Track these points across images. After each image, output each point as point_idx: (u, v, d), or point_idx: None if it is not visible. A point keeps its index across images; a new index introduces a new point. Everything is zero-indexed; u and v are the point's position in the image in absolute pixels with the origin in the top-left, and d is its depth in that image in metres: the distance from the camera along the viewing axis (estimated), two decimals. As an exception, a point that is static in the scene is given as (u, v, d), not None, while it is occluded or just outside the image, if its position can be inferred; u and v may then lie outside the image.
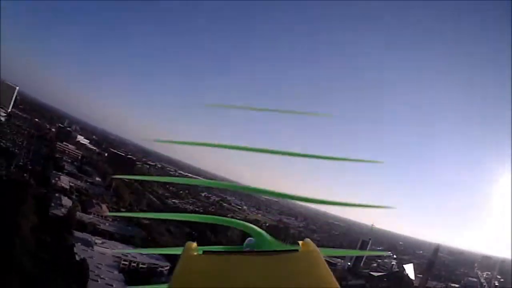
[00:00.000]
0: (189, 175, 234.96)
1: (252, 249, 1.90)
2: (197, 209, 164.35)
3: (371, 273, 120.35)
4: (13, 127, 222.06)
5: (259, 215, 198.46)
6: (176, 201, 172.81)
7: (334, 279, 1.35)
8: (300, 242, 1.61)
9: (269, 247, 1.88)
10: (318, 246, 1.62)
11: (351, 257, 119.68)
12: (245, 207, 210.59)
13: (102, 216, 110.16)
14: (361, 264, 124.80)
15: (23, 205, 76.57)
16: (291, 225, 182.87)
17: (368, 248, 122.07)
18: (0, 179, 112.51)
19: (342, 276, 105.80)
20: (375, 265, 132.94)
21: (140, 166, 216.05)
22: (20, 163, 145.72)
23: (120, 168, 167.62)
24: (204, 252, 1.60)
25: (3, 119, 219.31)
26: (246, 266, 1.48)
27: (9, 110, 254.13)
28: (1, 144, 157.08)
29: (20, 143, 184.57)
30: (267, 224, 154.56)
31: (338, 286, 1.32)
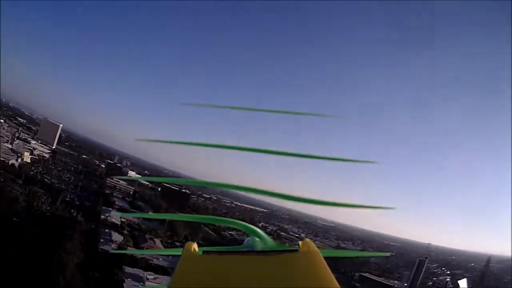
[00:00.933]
0: (245, 205, 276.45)
1: (251, 249, 1.97)
2: None
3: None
4: (59, 164, 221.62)
5: (317, 242, 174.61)
6: (233, 232, 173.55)
7: (334, 279, 1.37)
8: (300, 242, 1.66)
9: (267, 247, 1.96)
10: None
11: (407, 278, 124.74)
12: (302, 234, 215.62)
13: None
14: (418, 283, 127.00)
15: (70, 241, 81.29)
16: (349, 249, 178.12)
17: (424, 268, 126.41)
18: (43, 215, 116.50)
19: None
20: (430, 283, 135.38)
21: (195, 199, 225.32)
22: (67, 199, 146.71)
23: (174, 202, 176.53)
24: (204, 252, 1.63)
25: (47, 155, 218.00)
26: (246, 266, 1.50)
27: (54, 147, 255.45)
28: (46, 180, 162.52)
29: (66, 179, 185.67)
30: None
31: (338, 286, 1.34)
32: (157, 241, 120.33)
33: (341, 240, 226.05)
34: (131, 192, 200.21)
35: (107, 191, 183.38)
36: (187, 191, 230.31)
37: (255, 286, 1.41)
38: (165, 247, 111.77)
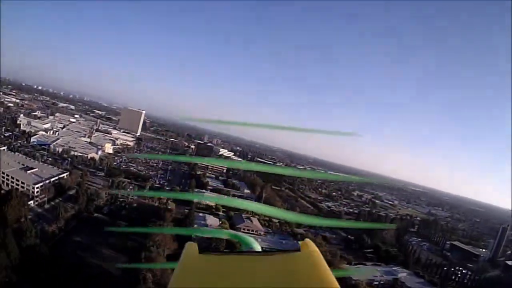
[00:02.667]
0: (341, 174, 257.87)
1: (251, 249, 2.14)
2: (351, 210, 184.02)
3: (507, 262, 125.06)
4: (145, 150, 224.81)
5: (409, 208, 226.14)
6: (330, 203, 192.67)
7: (334, 279, 1.47)
8: (300, 242, 1.78)
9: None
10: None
11: (491, 247, 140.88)
12: (396, 201, 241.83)
13: (254, 231, 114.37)
14: (500, 251, 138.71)
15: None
16: (439, 216, 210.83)
17: (506, 235, 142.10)
18: (129, 205, 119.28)
19: (483, 268, 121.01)
20: (509, 252, 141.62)
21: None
22: (156, 185, 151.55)
23: (270, 178, 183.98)
24: (204, 252, 1.76)
25: (131, 143, 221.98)
26: (246, 266, 1.62)
27: (138, 134, 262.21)
28: (132, 169, 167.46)
29: (154, 164, 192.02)
30: (419, 218, 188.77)
31: (338, 286, 1.44)
32: (255, 220, 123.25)
33: (431, 206, 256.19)
34: (224, 171, 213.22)
35: (199, 172, 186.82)
36: (282, 164, 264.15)
37: (255, 286, 1.52)
38: (262, 225, 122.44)
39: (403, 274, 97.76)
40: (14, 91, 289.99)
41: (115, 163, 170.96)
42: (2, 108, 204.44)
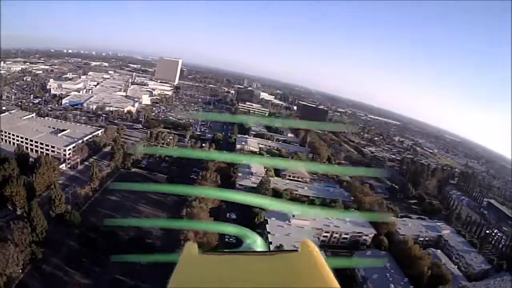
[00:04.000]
0: (379, 118, 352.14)
1: (251, 249, 2.21)
2: (393, 156, 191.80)
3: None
4: (184, 99, 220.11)
5: (448, 158, 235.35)
6: (372, 148, 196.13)
7: (334, 279, 1.53)
8: (300, 242, 1.86)
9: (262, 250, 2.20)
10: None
11: None
12: (435, 150, 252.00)
13: (301, 178, 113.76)
14: None
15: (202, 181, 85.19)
16: (475, 169, 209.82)
17: None
18: (169, 156, 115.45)
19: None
20: None
21: (331, 114, 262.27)
22: (197, 133, 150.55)
23: (313, 120, 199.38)
24: (204, 252, 1.81)
25: (169, 93, 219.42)
26: (246, 266, 1.67)
27: (176, 83, 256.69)
28: (172, 118, 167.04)
29: (194, 112, 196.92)
30: (457, 170, 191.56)
31: (338, 286, 1.50)
32: (302, 168, 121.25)
33: (468, 157, 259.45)
34: (266, 114, 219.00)
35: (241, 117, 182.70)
36: (324, 107, 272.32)
37: (255, 286, 1.55)
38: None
39: (446, 231, 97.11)
40: (42, 58, 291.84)
41: (153, 113, 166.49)
42: (29, 77, 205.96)
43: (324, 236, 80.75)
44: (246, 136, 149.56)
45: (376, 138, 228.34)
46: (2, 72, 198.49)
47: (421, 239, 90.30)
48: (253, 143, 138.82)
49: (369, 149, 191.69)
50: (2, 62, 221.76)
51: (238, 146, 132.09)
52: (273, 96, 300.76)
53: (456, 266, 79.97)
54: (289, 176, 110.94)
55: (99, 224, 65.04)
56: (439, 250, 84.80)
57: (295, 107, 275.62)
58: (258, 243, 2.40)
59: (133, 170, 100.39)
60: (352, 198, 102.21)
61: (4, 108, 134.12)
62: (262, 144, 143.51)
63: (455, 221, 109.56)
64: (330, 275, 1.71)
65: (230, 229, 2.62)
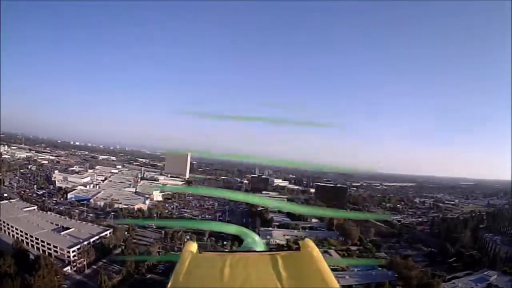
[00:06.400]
0: (395, 184, 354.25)
1: (251, 249, 2.37)
2: (420, 219, 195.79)
3: None
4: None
5: (470, 204, 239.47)
6: (398, 217, 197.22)
7: (334, 279, 1.61)
8: (300, 242, 1.94)
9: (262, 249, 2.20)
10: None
11: None
12: (456, 200, 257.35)
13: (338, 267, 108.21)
14: None
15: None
16: (498, 205, 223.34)
17: None
18: None
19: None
20: None
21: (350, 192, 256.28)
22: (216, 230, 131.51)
23: (333, 200, 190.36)
24: (204, 252, 1.91)
25: (181, 187, 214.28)
26: (246, 266, 1.73)
27: (187, 177, 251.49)
28: (186, 214, 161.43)
29: (210, 206, 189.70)
30: (483, 213, 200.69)
31: (338, 286, 1.57)
32: (332, 252, 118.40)
33: (488, 196, 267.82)
34: (285, 201, 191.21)
35: (261, 207, 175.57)
36: (342, 185, 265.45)
37: (256, 286, 1.62)
38: (342, 257, 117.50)
39: (493, 277, 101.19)
40: (48, 148, 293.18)
41: (166, 211, 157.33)
42: (34, 166, 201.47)
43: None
44: (270, 228, 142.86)
45: (398, 205, 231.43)
46: (6, 157, 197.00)
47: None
48: (279, 236, 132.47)
49: (394, 218, 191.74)
50: (6, 146, 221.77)
51: (263, 241, 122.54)
52: (287, 182, 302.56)
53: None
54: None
55: None
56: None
57: (312, 189, 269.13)
58: (257, 242, 2.47)
59: (148, 276, 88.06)
60: (396, 275, 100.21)
61: (5, 194, 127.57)
62: (288, 236, 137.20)
63: (499, 263, 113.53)
64: (330, 275, 1.77)
65: (230, 228, 2.53)
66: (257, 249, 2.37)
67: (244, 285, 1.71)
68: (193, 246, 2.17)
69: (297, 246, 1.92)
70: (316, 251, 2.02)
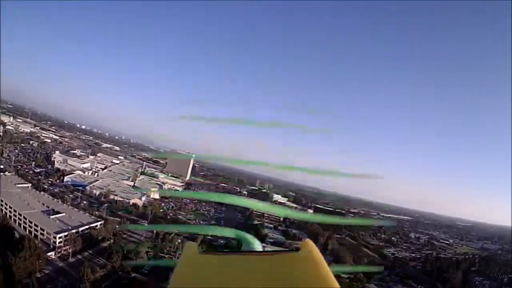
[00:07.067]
0: (392, 215, 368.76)
1: (251, 249, 2.31)
2: (413, 254, 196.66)
3: None
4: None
5: (464, 246, 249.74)
6: (392, 249, 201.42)
7: (334, 279, 1.60)
8: (300, 242, 1.94)
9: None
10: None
11: None
12: (450, 240, 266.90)
13: None
14: None
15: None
16: (490, 249, 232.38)
17: None
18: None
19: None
20: None
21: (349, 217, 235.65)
22: (209, 237, 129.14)
23: (330, 224, 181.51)
24: (204, 252, 1.84)
25: (180, 189, 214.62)
26: (246, 266, 1.69)
27: (187, 179, 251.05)
28: (181, 217, 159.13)
29: (206, 211, 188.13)
30: (476, 256, 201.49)
31: (338, 286, 1.57)
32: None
33: (482, 240, 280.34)
34: (281, 219, 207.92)
35: (257, 221, 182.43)
36: (340, 209, 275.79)
37: (255, 286, 1.59)
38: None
39: None
40: (53, 127, 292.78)
41: (161, 209, 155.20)
42: (36, 142, 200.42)
43: None
44: (264, 244, 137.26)
45: (393, 238, 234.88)
46: (9, 128, 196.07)
47: None
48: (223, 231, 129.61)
49: (388, 250, 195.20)
50: (11, 117, 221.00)
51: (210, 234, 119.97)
52: (286, 199, 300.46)
53: None
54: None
55: None
56: None
57: (310, 210, 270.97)
58: (255, 246, 2.55)
59: (133, 275, 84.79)
60: None
61: (1, 166, 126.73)
62: None
63: None
64: (330, 275, 1.76)
65: (227, 232, 2.69)
66: (257, 250, 2.50)
67: (244, 285, 1.70)
68: (193, 247, 2.11)
69: (297, 246, 1.98)
70: (316, 252, 2.03)
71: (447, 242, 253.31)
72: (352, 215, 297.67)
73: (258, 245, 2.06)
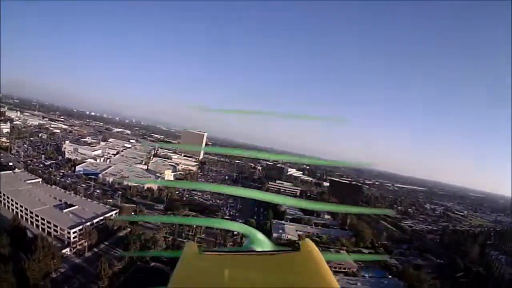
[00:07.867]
0: (406, 186, 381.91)
1: (251, 249, 2.23)
2: (429, 226, 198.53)
3: None
4: (210, 175, 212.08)
5: (478, 218, 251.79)
6: (409, 222, 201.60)
7: (334, 279, 1.64)
8: (300, 242, 1.93)
9: (265, 248, 2.20)
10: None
11: None
12: (465, 211, 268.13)
13: (347, 269, 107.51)
14: None
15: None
16: (504, 222, 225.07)
17: None
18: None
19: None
20: None
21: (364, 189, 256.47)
22: (226, 217, 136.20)
23: (347, 197, 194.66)
24: (204, 252, 1.87)
25: (194, 168, 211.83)
26: (246, 266, 1.74)
27: (201, 158, 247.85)
28: (197, 198, 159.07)
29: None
30: (491, 229, 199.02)
31: (338, 286, 1.60)
32: (343, 253, 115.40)
33: (495, 212, 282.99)
34: (298, 193, 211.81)
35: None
36: (356, 182, 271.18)
37: (255, 286, 1.63)
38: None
39: None
40: (62, 117, 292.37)
41: (177, 192, 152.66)
42: (45, 134, 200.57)
43: None
44: (283, 222, 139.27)
45: (409, 210, 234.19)
46: (17, 123, 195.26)
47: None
48: (291, 231, 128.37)
49: (405, 222, 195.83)
50: (18, 112, 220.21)
51: (274, 235, 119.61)
52: (301, 172, 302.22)
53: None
54: (335, 268, 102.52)
55: None
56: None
57: (326, 183, 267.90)
58: (262, 241, 2.36)
59: (152, 264, 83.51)
60: (407, 285, 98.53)
61: (10, 163, 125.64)
62: (300, 231, 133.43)
63: (503, 285, 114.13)
64: (330, 275, 1.79)
65: (235, 226, 2.68)
66: (259, 249, 2.32)
67: (244, 285, 1.74)
68: (194, 246, 2.16)
69: (297, 246, 1.96)
70: (316, 252, 2.02)
71: (462, 214, 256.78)
72: (367, 186, 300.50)
73: (264, 241, 2.17)
